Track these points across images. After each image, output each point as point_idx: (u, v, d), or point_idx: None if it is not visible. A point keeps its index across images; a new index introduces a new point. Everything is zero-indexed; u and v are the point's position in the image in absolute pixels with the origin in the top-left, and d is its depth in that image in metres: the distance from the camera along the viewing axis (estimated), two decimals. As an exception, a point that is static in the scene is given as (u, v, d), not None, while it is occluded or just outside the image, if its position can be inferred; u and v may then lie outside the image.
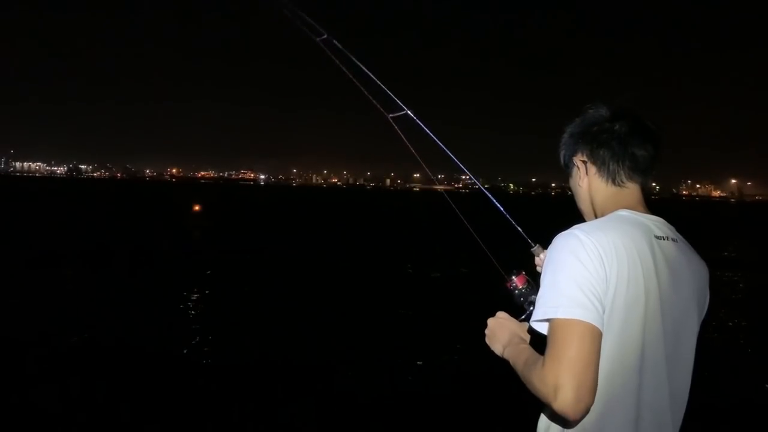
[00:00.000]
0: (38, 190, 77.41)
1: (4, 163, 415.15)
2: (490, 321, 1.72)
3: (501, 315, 1.73)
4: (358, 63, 2.01)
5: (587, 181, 1.63)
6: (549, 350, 1.35)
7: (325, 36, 2.08)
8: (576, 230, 1.44)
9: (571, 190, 1.72)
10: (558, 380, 1.31)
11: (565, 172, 1.73)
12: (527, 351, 1.53)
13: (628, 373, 1.40)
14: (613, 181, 1.59)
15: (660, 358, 1.44)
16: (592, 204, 1.63)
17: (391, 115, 1.99)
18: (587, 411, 1.32)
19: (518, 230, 1.87)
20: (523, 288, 1.76)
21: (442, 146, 1.97)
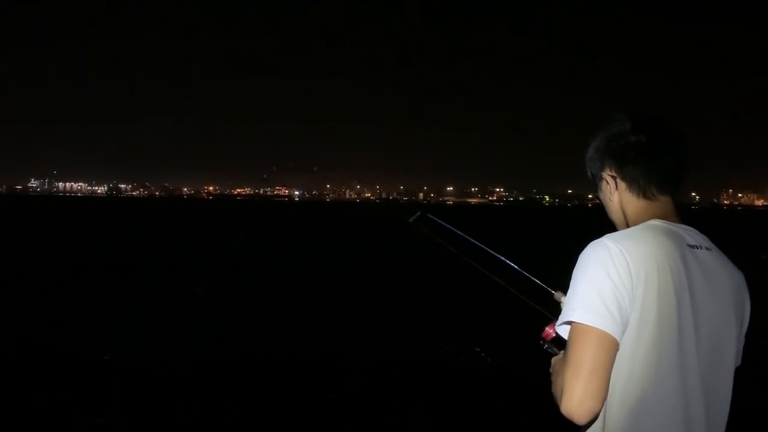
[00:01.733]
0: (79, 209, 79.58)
1: (48, 184, 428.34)
2: (553, 359, 1.67)
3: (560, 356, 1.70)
4: (456, 230, 2.08)
5: (618, 195, 1.63)
6: (564, 354, 1.42)
7: (418, 213, 2.17)
8: (606, 239, 1.45)
9: (600, 201, 1.72)
10: (564, 383, 1.35)
11: (592, 185, 1.74)
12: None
13: (664, 388, 1.40)
14: (644, 195, 1.58)
15: (695, 372, 1.42)
16: (625, 216, 1.63)
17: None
18: (593, 416, 1.34)
19: (535, 281, 1.87)
20: (555, 340, 1.67)
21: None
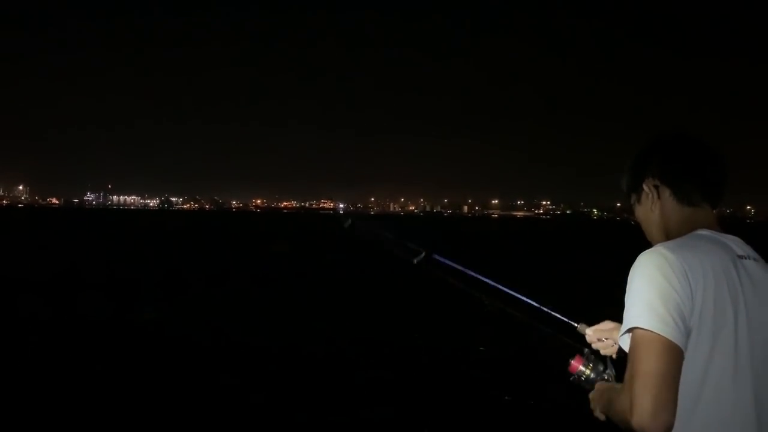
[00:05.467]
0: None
1: (102, 197, 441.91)
2: (590, 395, 1.66)
3: (598, 386, 1.66)
4: (463, 269, 1.98)
5: (660, 205, 1.62)
6: (628, 366, 1.36)
7: (423, 254, 2.04)
8: (660, 247, 1.44)
9: (637, 218, 1.70)
10: (634, 395, 1.30)
11: (629, 201, 1.71)
12: (612, 389, 1.53)
13: (719, 400, 1.38)
14: (689, 202, 1.58)
15: (748, 383, 1.40)
16: (666, 228, 1.60)
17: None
18: (666, 428, 1.29)
19: (556, 316, 1.83)
20: (581, 372, 1.67)
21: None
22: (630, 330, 1.38)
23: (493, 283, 1.95)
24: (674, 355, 1.32)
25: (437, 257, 2.00)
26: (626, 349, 1.40)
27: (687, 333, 1.35)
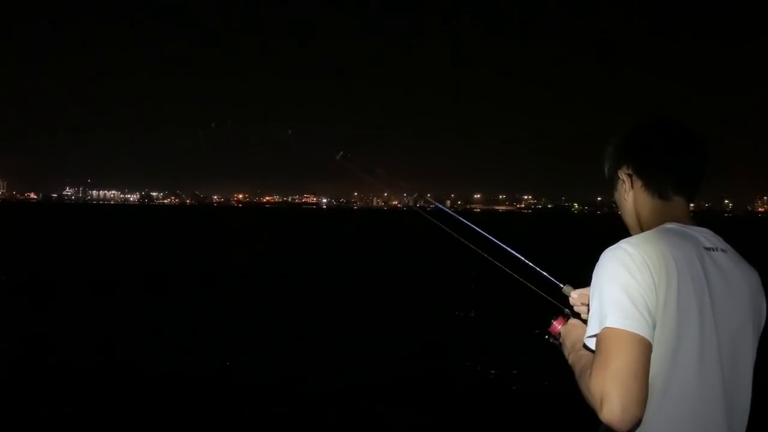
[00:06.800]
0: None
1: (82, 192, 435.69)
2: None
3: (571, 321, 1.69)
4: (380, 171, 2.22)
5: (633, 194, 1.61)
6: (596, 359, 1.35)
7: (341, 153, 2.28)
8: (623, 243, 1.43)
9: (616, 204, 1.70)
10: (604, 390, 1.29)
11: (609, 185, 1.71)
12: (585, 357, 1.50)
13: (684, 390, 1.38)
14: (660, 195, 1.57)
15: (717, 375, 1.40)
16: (638, 218, 1.61)
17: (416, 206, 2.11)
18: (635, 422, 1.30)
19: (543, 274, 1.82)
20: (557, 336, 1.68)
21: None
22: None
23: (480, 231, 1.94)
24: (643, 350, 1.32)
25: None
26: (593, 348, 1.38)
27: (653, 325, 1.35)
